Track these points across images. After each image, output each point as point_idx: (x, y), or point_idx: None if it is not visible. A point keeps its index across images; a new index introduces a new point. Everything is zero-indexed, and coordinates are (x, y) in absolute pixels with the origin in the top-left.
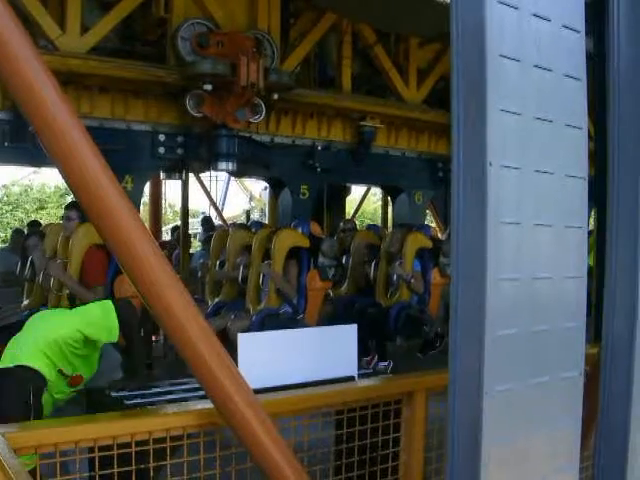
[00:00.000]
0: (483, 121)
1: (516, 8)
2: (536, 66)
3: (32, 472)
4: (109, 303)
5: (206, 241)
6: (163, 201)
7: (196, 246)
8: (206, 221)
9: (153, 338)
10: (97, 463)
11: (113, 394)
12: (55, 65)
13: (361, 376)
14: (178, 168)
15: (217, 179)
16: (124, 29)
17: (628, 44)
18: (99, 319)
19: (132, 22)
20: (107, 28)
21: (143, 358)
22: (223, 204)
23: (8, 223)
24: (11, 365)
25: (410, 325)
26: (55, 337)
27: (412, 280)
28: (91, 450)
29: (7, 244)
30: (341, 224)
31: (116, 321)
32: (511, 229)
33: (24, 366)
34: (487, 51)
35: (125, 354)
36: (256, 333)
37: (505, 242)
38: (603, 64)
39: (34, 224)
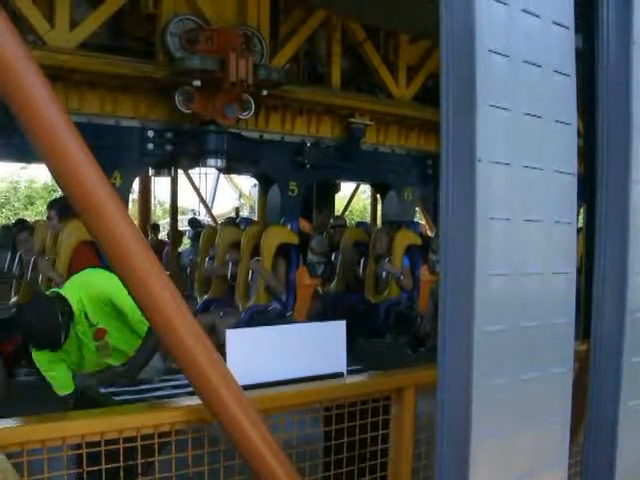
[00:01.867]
0: (472, 116)
1: (505, 4)
2: (525, 62)
3: None
4: None
5: (195, 238)
6: (152, 198)
7: (186, 243)
8: (193, 222)
9: None
10: (85, 460)
11: (102, 390)
12: (43, 60)
13: (350, 372)
14: (167, 164)
15: (206, 176)
16: (113, 25)
17: (617, 41)
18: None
19: (121, 18)
20: (96, 23)
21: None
22: (212, 201)
23: None
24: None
25: (399, 322)
26: (88, 280)
27: (401, 277)
28: (79, 447)
29: None
30: (331, 220)
31: None
32: (500, 225)
33: (54, 292)
34: (476, 46)
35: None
36: (244, 329)
37: (494, 238)
38: (592, 61)
39: (21, 222)
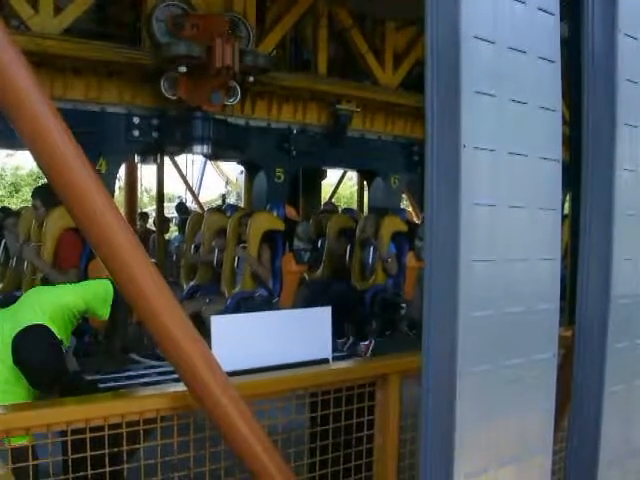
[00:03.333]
0: (457, 103)
1: None
2: (511, 48)
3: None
4: (108, 281)
5: (181, 224)
6: (139, 185)
7: (173, 230)
8: (181, 207)
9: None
10: (70, 447)
11: (87, 377)
12: (27, 46)
13: (335, 359)
14: (153, 151)
15: (193, 163)
16: (98, 10)
17: (603, 29)
18: (101, 293)
19: (106, 3)
20: (81, 9)
21: (122, 341)
22: (199, 188)
23: None
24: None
25: (385, 308)
26: (62, 303)
27: (389, 260)
28: (64, 434)
29: None
30: (322, 206)
31: (111, 299)
32: (485, 211)
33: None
34: (462, 33)
35: (106, 336)
36: (230, 315)
37: (479, 224)
38: (578, 49)
39: (5, 210)
